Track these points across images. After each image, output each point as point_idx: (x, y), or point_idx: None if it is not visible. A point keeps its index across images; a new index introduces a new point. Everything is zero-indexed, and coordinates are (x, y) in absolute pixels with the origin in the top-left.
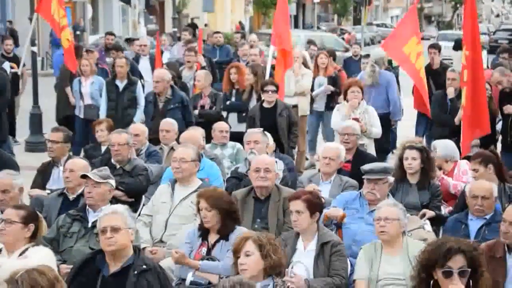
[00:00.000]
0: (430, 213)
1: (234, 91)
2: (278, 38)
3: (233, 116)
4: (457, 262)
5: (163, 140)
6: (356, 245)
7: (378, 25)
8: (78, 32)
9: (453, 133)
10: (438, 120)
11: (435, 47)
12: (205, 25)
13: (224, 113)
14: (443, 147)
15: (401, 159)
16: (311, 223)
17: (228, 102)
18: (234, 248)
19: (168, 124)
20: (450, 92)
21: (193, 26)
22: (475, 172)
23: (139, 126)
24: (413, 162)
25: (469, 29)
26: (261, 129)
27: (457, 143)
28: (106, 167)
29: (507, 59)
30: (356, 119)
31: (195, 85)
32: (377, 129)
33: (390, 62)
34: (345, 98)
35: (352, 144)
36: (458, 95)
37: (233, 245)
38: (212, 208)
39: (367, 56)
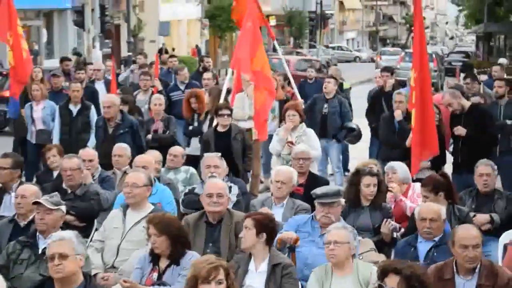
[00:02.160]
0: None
1: (196, 116)
2: (238, 62)
3: (195, 141)
4: (391, 281)
5: (116, 165)
6: (308, 268)
7: (333, 48)
8: (32, 56)
9: (404, 155)
10: (387, 142)
11: (388, 70)
12: (173, 49)
13: (179, 138)
14: (403, 169)
15: (354, 183)
16: (257, 242)
17: (190, 128)
18: (202, 275)
19: (121, 148)
20: (398, 115)
21: (163, 51)
22: (425, 198)
23: (91, 150)
24: (374, 188)
25: (418, 52)
26: (219, 154)
27: (408, 165)
28: (57, 192)
29: (470, 83)
30: (291, 143)
31: (151, 109)
32: (316, 152)
33: (341, 85)
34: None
35: (306, 168)
36: (406, 117)
37: (198, 271)
38: (161, 234)
39: (331, 76)
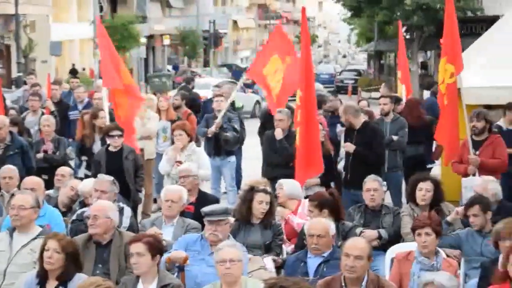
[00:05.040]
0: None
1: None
2: (108, 78)
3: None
4: None
5: (5, 187)
6: (198, 287)
7: (228, 67)
8: None
9: (288, 173)
10: (268, 161)
11: None
12: (83, 69)
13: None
14: (290, 186)
15: (247, 200)
16: (152, 266)
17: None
18: None
19: (10, 170)
20: (278, 133)
21: (73, 72)
22: (310, 212)
23: None
24: (266, 206)
25: (303, 71)
26: (112, 177)
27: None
28: None
29: (334, 100)
30: (179, 162)
31: (41, 130)
32: (205, 171)
33: (233, 104)
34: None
35: (190, 186)
36: (286, 136)
37: None
38: (62, 251)
39: (220, 95)
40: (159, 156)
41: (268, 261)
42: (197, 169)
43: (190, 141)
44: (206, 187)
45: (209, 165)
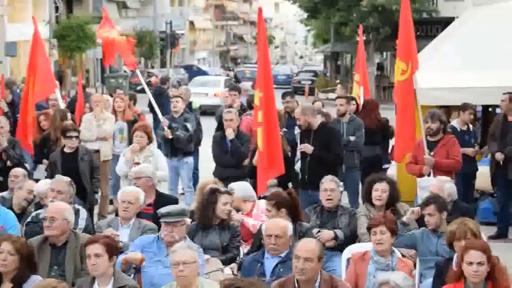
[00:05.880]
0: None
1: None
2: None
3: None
4: None
5: None
6: None
7: (185, 68)
8: None
9: (247, 174)
10: (219, 162)
11: (236, 89)
12: None
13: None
14: (240, 188)
15: (211, 202)
16: (109, 266)
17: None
18: None
19: None
20: (229, 133)
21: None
22: (268, 212)
23: None
24: (230, 207)
25: (262, 72)
26: (69, 179)
27: (254, 183)
28: None
29: (291, 101)
30: (137, 164)
31: None
32: (163, 172)
33: (190, 105)
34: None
35: (144, 187)
36: (237, 135)
37: None
38: (16, 253)
39: (177, 96)
40: (116, 157)
41: (227, 271)
42: (151, 171)
43: (149, 142)
44: (164, 188)
45: (166, 167)
